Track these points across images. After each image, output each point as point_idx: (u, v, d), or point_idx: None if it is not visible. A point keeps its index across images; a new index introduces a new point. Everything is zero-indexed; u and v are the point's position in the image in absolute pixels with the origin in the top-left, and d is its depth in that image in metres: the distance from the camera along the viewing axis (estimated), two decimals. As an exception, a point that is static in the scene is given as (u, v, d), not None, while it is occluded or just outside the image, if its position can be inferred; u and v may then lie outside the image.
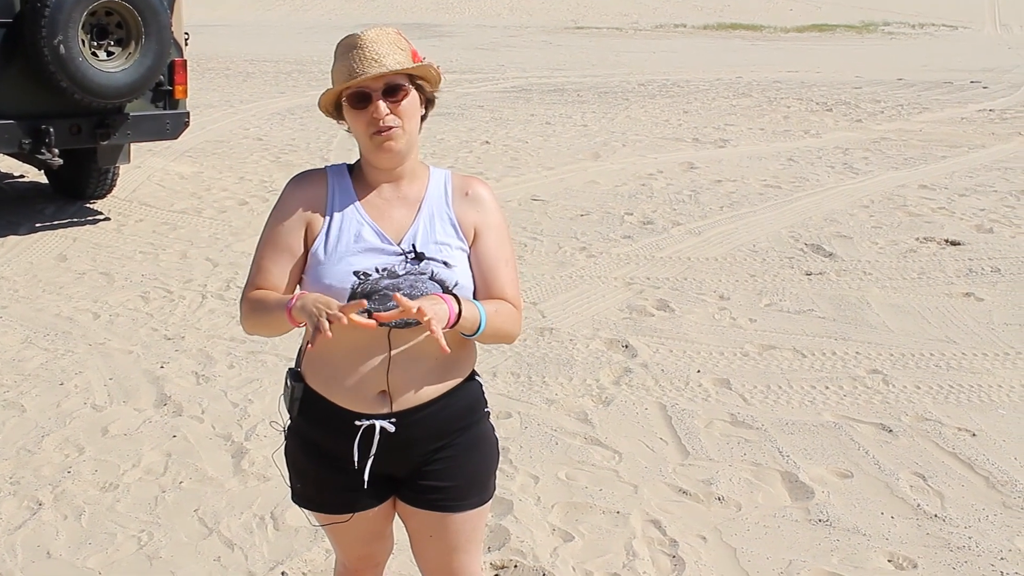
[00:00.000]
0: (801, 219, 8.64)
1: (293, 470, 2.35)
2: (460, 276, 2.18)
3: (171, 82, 7.88)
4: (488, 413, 2.36)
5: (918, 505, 3.88)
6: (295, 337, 2.29)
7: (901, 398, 4.90)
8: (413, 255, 2.16)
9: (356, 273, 2.13)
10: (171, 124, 7.99)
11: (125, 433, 4.44)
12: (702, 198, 9.46)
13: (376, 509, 2.32)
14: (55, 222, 8.18)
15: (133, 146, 8.59)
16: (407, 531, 2.39)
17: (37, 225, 8.07)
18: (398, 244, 2.17)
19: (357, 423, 2.18)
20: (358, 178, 2.24)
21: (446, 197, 2.24)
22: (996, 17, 48.91)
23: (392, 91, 2.12)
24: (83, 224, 8.15)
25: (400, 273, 2.14)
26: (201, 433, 4.46)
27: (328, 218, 2.19)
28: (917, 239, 7.97)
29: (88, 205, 8.74)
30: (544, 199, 9.33)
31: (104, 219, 8.33)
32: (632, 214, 8.75)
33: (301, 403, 2.24)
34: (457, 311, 2.07)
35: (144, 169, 10.29)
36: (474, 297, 2.20)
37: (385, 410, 2.17)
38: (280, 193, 2.27)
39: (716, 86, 20.16)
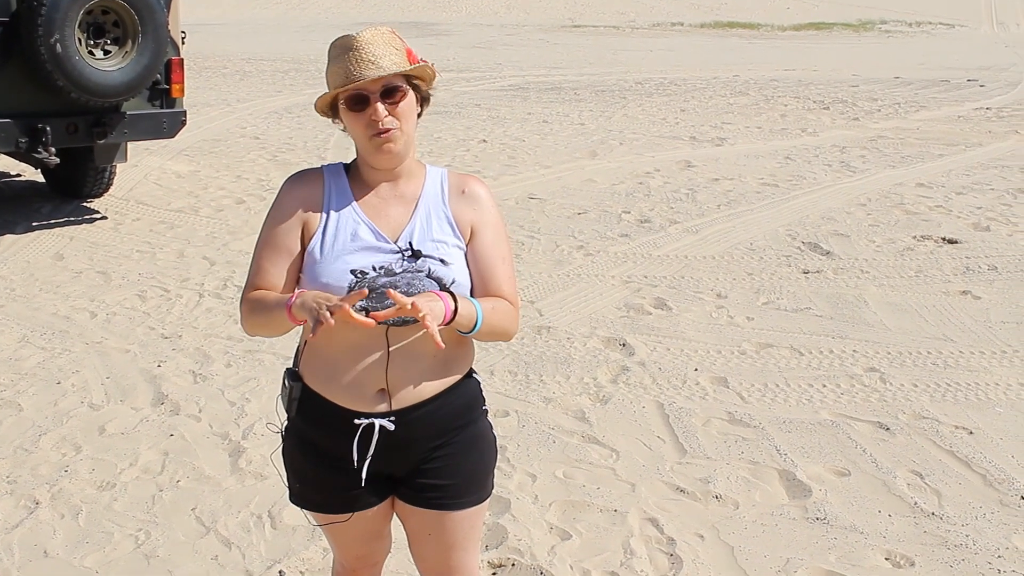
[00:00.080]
0: (798, 217, 8.64)
1: (291, 470, 2.35)
2: (457, 274, 2.18)
3: (168, 81, 7.88)
4: (486, 411, 2.36)
5: (915, 503, 3.89)
6: (293, 336, 2.29)
7: (898, 396, 4.90)
8: (410, 253, 2.16)
9: (353, 271, 2.13)
10: (168, 123, 7.98)
11: (122, 432, 4.44)
12: (699, 196, 9.46)
13: (375, 508, 2.32)
14: (52, 221, 8.17)
15: (130, 145, 8.58)
16: (405, 530, 2.39)
17: (34, 224, 8.06)
18: (395, 242, 2.17)
19: (356, 422, 2.17)
20: (354, 177, 2.24)
21: (442, 195, 2.24)
22: (993, 15, 48.95)
23: (390, 93, 2.12)
24: (80, 223, 8.14)
25: (397, 271, 2.14)
26: (198, 432, 4.45)
27: (325, 217, 2.19)
28: (914, 237, 7.98)
29: (85, 204, 8.73)
30: (541, 197, 9.33)
31: (101, 218, 8.32)
32: (629, 212, 8.76)
33: (299, 403, 2.24)
34: (453, 308, 2.07)
35: (141, 168, 10.28)
36: (471, 295, 2.20)
37: (384, 408, 2.17)
38: (277, 193, 2.27)
39: (713, 84, 20.16)
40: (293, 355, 2.35)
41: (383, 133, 2.12)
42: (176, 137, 8.45)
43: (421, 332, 2.06)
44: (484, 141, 12.63)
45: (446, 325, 2.06)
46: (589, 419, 4.61)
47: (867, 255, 7.43)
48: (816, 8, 51.29)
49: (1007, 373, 5.21)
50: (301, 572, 3.41)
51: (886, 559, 3.52)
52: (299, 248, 2.19)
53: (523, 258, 7.21)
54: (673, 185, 10.00)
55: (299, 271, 2.20)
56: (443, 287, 2.15)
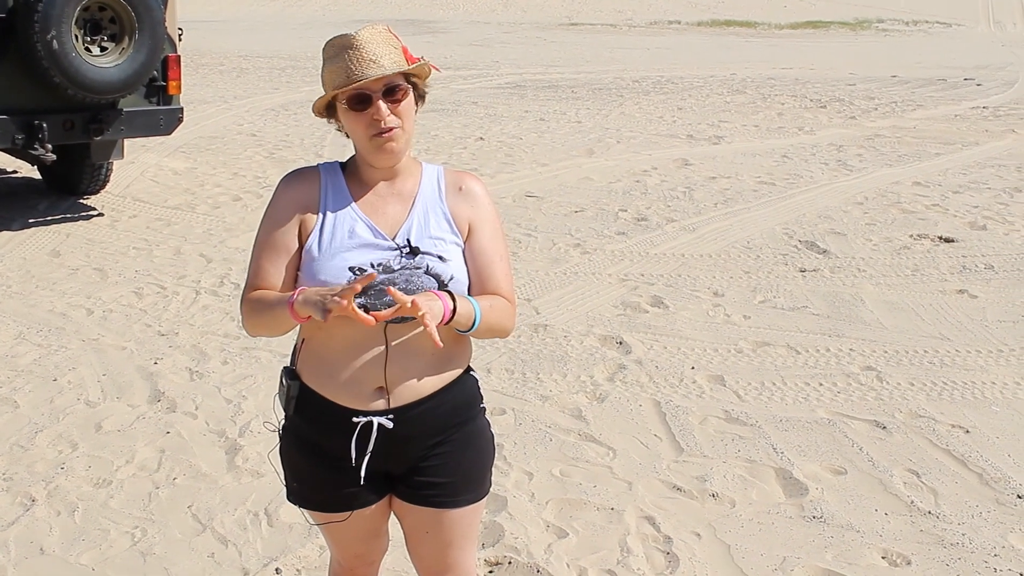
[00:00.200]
0: (795, 216, 8.64)
1: (289, 469, 2.34)
2: (455, 270, 2.17)
3: (165, 78, 7.87)
4: (484, 409, 2.36)
5: (912, 502, 3.89)
6: (290, 334, 2.28)
7: (895, 395, 4.91)
8: (408, 250, 2.16)
9: (352, 269, 2.12)
10: (165, 120, 7.97)
11: (118, 429, 4.43)
12: (696, 195, 9.46)
13: (373, 507, 2.31)
14: (48, 218, 8.16)
15: (127, 142, 8.56)
16: (402, 528, 2.39)
17: (30, 221, 8.05)
18: (393, 239, 2.17)
19: (355, 420, 2.17)
20: (351, 175, 2.24)
21: (439, 192, 2.24)
22: (990, 14, 49.00)
23: (391, 92, 2.11)
24: (76, 220, 8.13)
25: (395, 268, 2.14)
26: (195, 429, 4.45)
27: (322, 215, 2.18)
28: (911, 236, 7.98)
29: (81, 201, 8.72)
30: (538, 195, 9.32)
31: (97, 215, 8.31)
32: (626, 211, 8.76)
33: (297, 401, 2.23)
34: (452, 308, 2.07)
35: (138, 165, 10.27)
36: (468, 291, 2.20)
37: (382, 406, 2.17)
38: (273, 192, 2.26)
39: (710, 83, 20.17)
40: (290, 353, 2.34)
41: (386, 132, 2.11)
42: (173, 134, 8.42)
43: (419, 329, 2.06)
44: (481, 139, 12.62)
45: (445, 324, 2.06)
46: (586, 417, 4.61)
47: (864, 254, 7.44)
48: (813, 7, 51.31)
49: (1003, 372, 5.21)
50: (298, 570, 3.40)
51: (882, 558, 3.52)
52: (297, 246, 2.19)
53: (520, 256, 7.20)
54: (670, 183, 10.00)
55: (297, 269, 2.20)
56: (441, 284, 2.15)
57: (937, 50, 31.57)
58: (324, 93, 2.15)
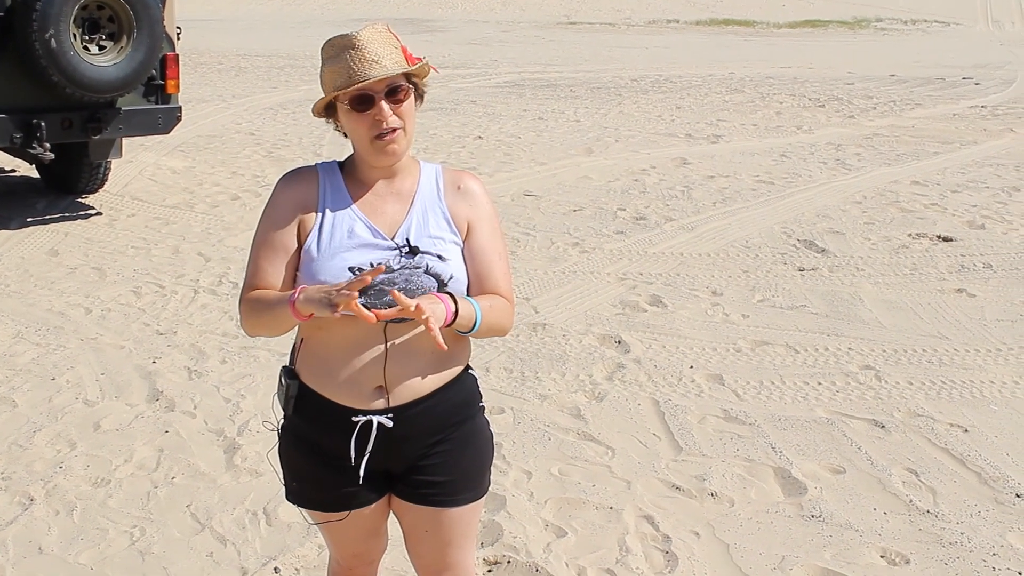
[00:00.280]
0: (794, 215, 8.65)
1: (288, 469, 2.34)
2: (454, 269, 2.17)
3: (163, 76, 7.86)
4: (483, 408, 2.36)
5: (910, 501, 3.89)
6: (289, 333, 2.28)
7: (893, 394, 4.91)
8: (407, 249, 2.15)
9: (351, 269, 2.12)
10: (163, 119, 7.97)
11: (117, 428, 4.43)
12: (695, 194, 9.46)
13: (372, 506, 2.31)
14: (46, 217, 8.15)
15: (125, 141, 8.56)
16: (401, 527, 2.39)
17: (28, 220, 8.04)
18: (392, 239, 2.16)
19: (354, 419, 2.17)
20: (349, 175, 2.23)
21: (438, 191, 2.23)
22: (988, 14, 49.02)
23: (393, 92, 2.11)
24: (75, 219, 8.12)
25: (395, 268, 2.14)
26: (193, 428, 4.44)
27: (320, 215, 2.18)
28: (909, 235, 7.99)
29: (80, 200, 8.71)
30: (537, 194, 9.32)
31: (96, 214, 8.30)
32: (625, 210, 8.76)
33: (296, 400, 2.23)
34: (454, 310, 2.07)
35: (136, 164, 10.26)
36: (467, 290, 2.20)
37: (382, 405, 2.17)
38: (271, 192, 2.26)
39: (709, 82, 20.17)
40: (289, 352, 2.34)
41: (388, 133, 2.11)
42: (171, 133, 8.43)
43: (419, 328, 2.06)
44: (480, 138, 12.62)
45: (447, 327, 2.06)
46: (584, 416, 4.61)
47: (862, 253, 7.44)
48: (812, 5, 51.32)
49: (1002, 371, 5.21)
50: (296, 569, 3.40)
51: (881, 557, 3.52)
52: (296, 246, 2.18)
53: (519, 255, 7.20)
54: (669, 182, 10.00)
55: (296, 269, 2.19)
56: (441, 283, 2.14)
57: (935, 49, 31.59)
58: (323, 93, 2.14)
